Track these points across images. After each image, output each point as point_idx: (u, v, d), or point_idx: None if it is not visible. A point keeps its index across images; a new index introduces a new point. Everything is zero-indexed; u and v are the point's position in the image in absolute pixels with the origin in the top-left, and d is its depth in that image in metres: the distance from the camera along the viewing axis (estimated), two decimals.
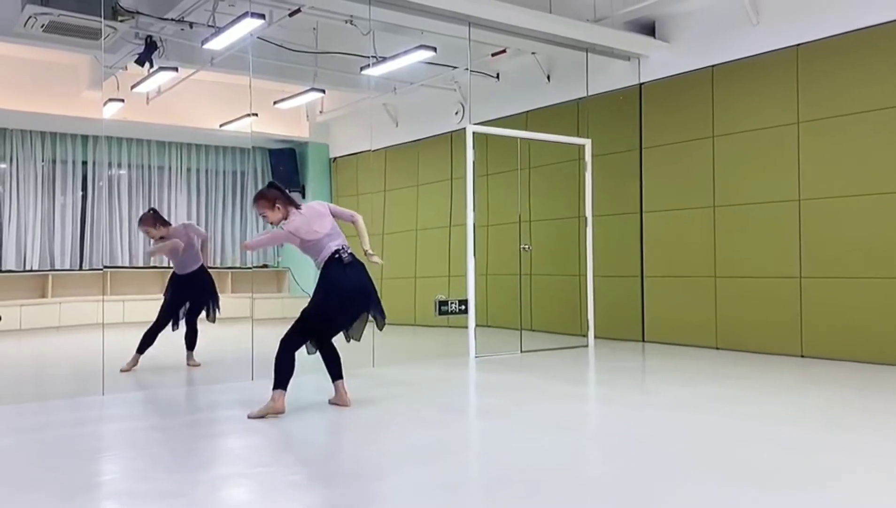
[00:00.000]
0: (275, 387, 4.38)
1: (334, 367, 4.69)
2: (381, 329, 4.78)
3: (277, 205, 4.58)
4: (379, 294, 4.71)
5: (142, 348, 6.38)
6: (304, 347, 4.57)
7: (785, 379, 5.62)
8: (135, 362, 6.37)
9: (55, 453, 3.69)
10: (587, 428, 4.37)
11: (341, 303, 4.48)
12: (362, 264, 4.65)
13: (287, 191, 4.70)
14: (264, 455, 3.83)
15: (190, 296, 6.55)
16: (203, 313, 6.65)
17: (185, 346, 6.66)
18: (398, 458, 3.53)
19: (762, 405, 4.66)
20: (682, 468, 3.32)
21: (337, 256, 4.50)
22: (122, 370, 6.23)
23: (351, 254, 4.57)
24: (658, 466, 3.35)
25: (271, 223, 4.64)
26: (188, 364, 6.62)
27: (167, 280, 6.68)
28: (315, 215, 4.60)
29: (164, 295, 6.57)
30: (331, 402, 4.72)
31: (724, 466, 3.33)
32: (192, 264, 6.54)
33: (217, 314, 6.66)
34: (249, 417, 4.35)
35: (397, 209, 11.10)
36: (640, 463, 3.41)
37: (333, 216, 4.69)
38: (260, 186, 12.28)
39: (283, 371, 4.41)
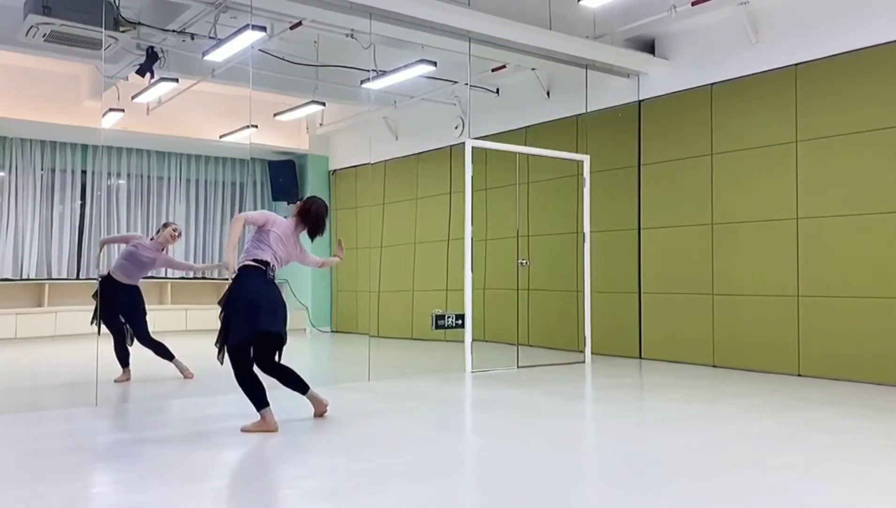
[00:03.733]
0: (257, 408, 4.33)
1: (295, 384, 4.57)
2: (278, 356, 4.54)
3: (301, 221, 4.63)
4: (286, 324, 4.50)
5: (123, 362, 6.35)
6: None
7: (781, 398, 5.59)
8: (126, 375, 6.33)
9: (46, 464, 3.67)
10: (583, 446, 4.34)
11: (261, 308, 4.30)
12: (278, 288, 4.54)
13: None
14: (255, 468, 3.80)
15: (123, 307, 6.33)
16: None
17: (170, 362, 6.45)
18: (392, 475, 3.50)
19: (759, 425, 4.64)
20: (678, 487, 3.30)
21: (264, 267, 4.38)
22: (115, 381, 6.20)
23: (274, 276, 4.45)
24: (655, 485, 3.33)
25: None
26: (184, 376, 6.50)
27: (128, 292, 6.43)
28: (293, 247, 4.57)
29: (100, 306, 6.31)
30: (316, 416, 4.66)
31: (721, 486, 3.30)
32: (136, 278, 6.44)
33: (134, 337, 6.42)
34: (243, 430, 4.32)
35: (396, 222, 11.10)
36: (636, 482, 3.39)
37: (302, 253, 4.69)
38: (259, 198, 12.37)
39: (252, 390, 4.33)
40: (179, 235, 6.55)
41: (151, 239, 6.51)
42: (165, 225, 6.55)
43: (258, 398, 4.33)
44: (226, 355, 4.35)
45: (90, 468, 3.75)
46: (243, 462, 3.88)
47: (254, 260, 4.38)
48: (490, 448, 4.13)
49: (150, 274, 6.74)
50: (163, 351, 6.43)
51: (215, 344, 4.42)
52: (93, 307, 6.40)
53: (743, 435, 4.32)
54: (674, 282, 7.73)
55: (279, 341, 4.45)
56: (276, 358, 4.53)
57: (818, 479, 3.44)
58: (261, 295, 4.34)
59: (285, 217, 4.65)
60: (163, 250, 6.48)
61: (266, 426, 4.30)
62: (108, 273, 6.47)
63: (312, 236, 4.66)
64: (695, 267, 7.52)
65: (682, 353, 7.60)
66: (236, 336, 4.29)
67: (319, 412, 4.68)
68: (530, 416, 5.04)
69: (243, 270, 4.36)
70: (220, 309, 4.38)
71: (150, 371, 6.52)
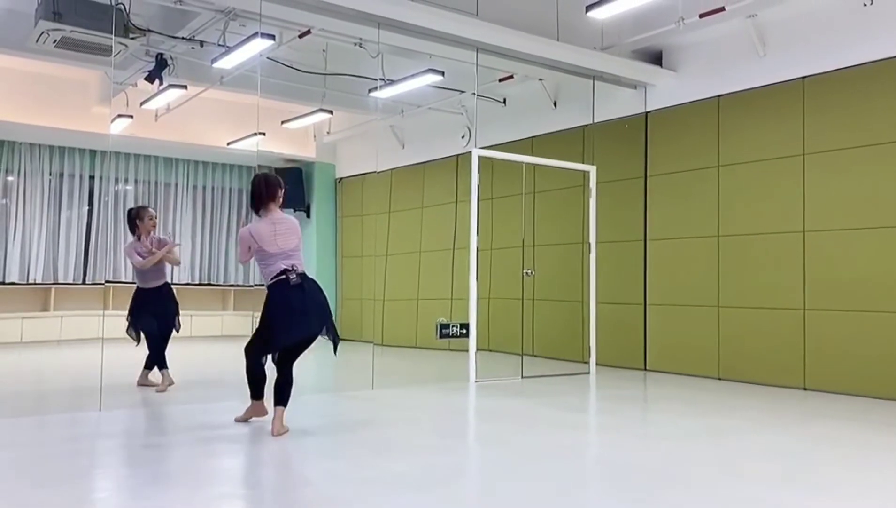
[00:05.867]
0: (252, 398, 4.59)
1: (279, 392, 4.48)
2: (334, 352, 4.71)
3: (250, 199, 4.59)
4: (332, 317, 4.66)
5: (160, 364, 6.33)
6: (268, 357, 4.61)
7: (786, 412, 5.56)
8: (167, 379, 6.29)
9: (50, 468, 3.67)
10: (586, 457, 4.32)
11: (283, 323, 4.42)
12: (314, 285, 4.55)
13: (273, 193, 4.57)
14: (258, 475, 3.80)
15: (158, 311, 6.33)
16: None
17: (144, 364, 6.38)
18: (393, 484, 3.49)
19: (763, 439, 4.61)
20: (681, 501, 3.28)
21: (283, 276, 4.44)
22: (157, 391, 6.16)
23: (300, 275, 4.48)
24: (657, 498, 3.31)
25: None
26: (145, 384, 6.36)
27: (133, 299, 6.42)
28: (287, 228, 4.53)
29: (133, 316, 6.31)
30: (272, 433, 4.37)
31: (724, 501, 3.28)
32: (161, 275, 6.41)
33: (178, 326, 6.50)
34: (236, 420, 4.55)
35: (401, 231, 11.10)
36: (639, 495, 3.37)
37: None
38: None
39: (253, 382, 4.59)
40: (156, 217, 6.54)
41: (138, 239, 6.36)
42: (140, 217, 6.37)
43: (255, 388, 4.62)
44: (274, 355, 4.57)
45: (93, 472, 3.75)
46: (246, 469, 3.88)
47: (271, 279, 4.47)
48: (493, 459, 4.11)
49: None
50: (152, 361, 6.37)
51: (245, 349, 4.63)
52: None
53: (747, 449, 4.30)
54: (679, 294, 7.70)
55: (308, 341, 4.55)
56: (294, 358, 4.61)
57: (822, 494, 3.42)
58: (284, 310, 4.42)
59: (269, 211, 4.60)
60: (150, 235, 6.39)
61: (255, 413, 4.57)
62: (137, 287, 6.42)
63: (262, 204, 4.53)
64: (701, 279, 7.50)
65: (687, 365, 7.56)
66: (272, 347, 4.51)
67: (275, 432, 4.40)
68: (533, 427, 5.03)
69: (269, 290, 4.50)
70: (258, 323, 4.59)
71: (155, 378, 6.51)
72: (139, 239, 6.37)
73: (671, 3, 6.72)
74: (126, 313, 6.39)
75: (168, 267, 6.55)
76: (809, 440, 4.64)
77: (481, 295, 7.25)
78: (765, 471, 3.77)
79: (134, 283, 6.49)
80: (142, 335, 6.35)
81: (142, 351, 6.42)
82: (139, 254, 6.27)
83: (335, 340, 4.66)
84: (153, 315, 6.29)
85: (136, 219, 6.39)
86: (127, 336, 6.37)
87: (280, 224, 4.53)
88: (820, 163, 6.65)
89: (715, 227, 7.42)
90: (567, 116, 8.83)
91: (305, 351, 4.60)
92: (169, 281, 6.55)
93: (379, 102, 9.03)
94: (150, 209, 6.56)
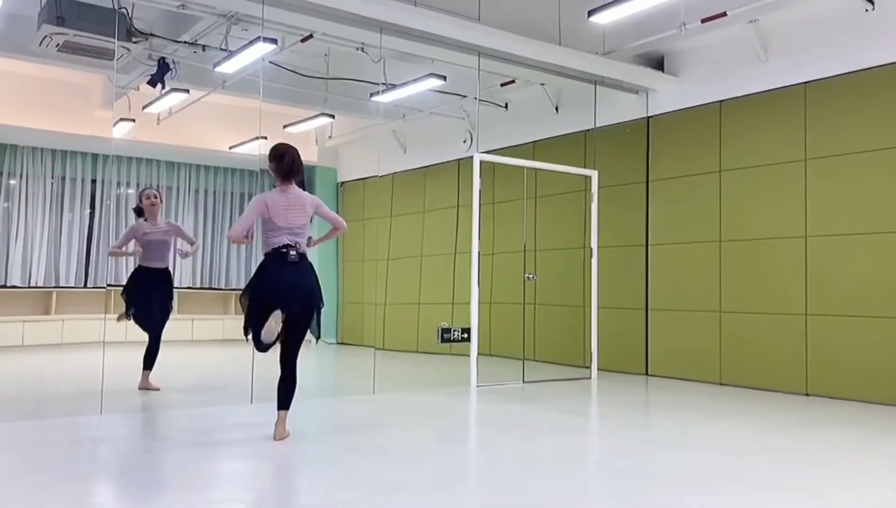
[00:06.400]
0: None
1: (282, 395, 4.41)
2: (315, 339, 4.58)
3: (274, 165, 4.49)
4: (320, 303, 4.51)
5: (149, 362, 6.33)
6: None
7: (788, 418, 5.55)
8: (146, 380, 6.31)
9: (50, 473, 3.66)
10: (587, 462, 4.31)
11: (261, 294, 4.33)
12: (310, 268, 4.49)
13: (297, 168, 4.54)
14: (258, 480, 3.79)
15: (155, 293, 6.33)
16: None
17: (142, 365, 6.34)
18: (393, 488, 3.48)
19: (764, 444, 4.60)
20: (680, 505, 3.27)
21: (284, 250, 4.36)
22: (140, 388, 6.19)
23: (299, 255, 4.40)
24: (657, 503, 3.30)
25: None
26: (146, 388, 6.31)
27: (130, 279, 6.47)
28: (298, 205, 4.48)
29: (130, 294, 6.31)
30: (274, 438, 4.35)
31: (724, 506, 3.27)
32: (166, 258, 6.44)
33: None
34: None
35: (403, 235, 11.10)
36: (639, 500, 3.36)
37: (320, 215, 4.63)
38: None
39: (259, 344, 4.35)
40: (157, 196, 6.51)
41: (145, 221, 6.44)
42: (140, 197, 6.48)
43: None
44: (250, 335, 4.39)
45: (94, 476, 3.74)
46: (247, 474, 3.87)
47: (271, 249, 4.38)
48: (494, 463, 4.11)
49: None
50: (152, 355, 6.37)
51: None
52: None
53: (748, 454, 4.29)
54: (681, 299, 7.69)
55: (299, 322, 4.41)
56: (296, 345, 4.47)
57: (824, 499, 3.41)
58: (270, 288, 4.31)
59: (290, 183, 4.55)
60: (157, 220, 6.44)
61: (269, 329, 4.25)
62: (139, 265, 6.43)
63: (289, 176, 4.50)
64: (702, 284, 7.49)
65: (688, 370, 7.55)
66: (251, 323, 4.35)
67: (278, 437, 4.38)
68: (534, 431, 5.02)
69: (263, 260, 4.41)
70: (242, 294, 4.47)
71: (156, 381, 6.50)
72: (146, 221, 6.43)
73: (673, 8, 6.72)
74: (122, 294, 6.38)
75: (171, 251, 6.55)
76: (811, 445, 4.63)
77: (483, 300, 7.24)
78: (766, 476, 3.76)
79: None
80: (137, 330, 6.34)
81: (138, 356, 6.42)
82: (146, 233, 6.31)
83: (317, 332, 4.55)
84: (151, 300, 6.28)
85: (138, 203, 6.52)
86: (123, 323, 6.37)
87: (293, 198, 4.49)
88: (822, 168, 6.64)
89: (717, 232, 7.41)
90: (569, 120, 8.83)
91: (302, 351, 4.55)
92: (170, 269, 6.55)
93: (381, 106, 9.04)
94: (146, 190, 6.58)
